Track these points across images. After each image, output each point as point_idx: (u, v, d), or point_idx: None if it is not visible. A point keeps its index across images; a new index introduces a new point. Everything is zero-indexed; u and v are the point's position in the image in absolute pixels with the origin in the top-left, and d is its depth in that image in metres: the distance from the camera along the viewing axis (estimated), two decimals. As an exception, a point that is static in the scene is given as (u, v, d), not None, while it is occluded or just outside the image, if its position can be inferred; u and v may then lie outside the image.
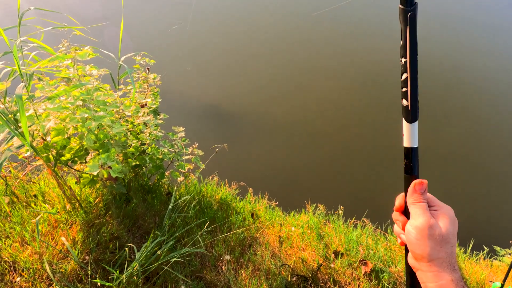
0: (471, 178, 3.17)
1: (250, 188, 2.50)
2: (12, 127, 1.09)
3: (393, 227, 0.61)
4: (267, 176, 2.95)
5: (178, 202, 1.77)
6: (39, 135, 1.45)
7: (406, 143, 0.56)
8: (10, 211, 1.76)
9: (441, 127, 3.48)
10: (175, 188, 2.19)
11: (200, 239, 1.62)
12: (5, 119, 1.06)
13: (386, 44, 4.35)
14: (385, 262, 1.80)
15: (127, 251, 1.59)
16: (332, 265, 1.75)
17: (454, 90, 4.02)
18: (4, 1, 4.91)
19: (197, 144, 2.24)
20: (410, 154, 0.56)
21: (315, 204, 2.49)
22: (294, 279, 1.66)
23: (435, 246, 0.50)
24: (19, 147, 1.22)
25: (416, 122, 0.55)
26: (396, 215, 0.59)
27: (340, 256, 1.80)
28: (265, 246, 1.91)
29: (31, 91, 1.49)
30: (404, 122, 0.55)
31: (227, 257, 1.70)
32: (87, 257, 1.57)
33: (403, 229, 0.56)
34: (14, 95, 1.32)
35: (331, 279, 1.68)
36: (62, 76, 1.36)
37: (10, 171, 2.23)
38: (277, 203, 2.53)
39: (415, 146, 0.56)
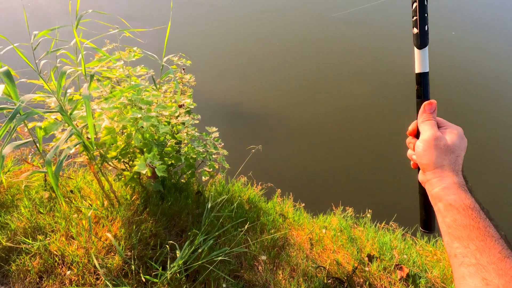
0: (497, 184, 3.12)
1: (279, 189, 2.52)
2: (75, 126, 1.13)
3: (407, 152, 0.64)
4: (292, 177, 2.96)
5: (216, 201, 1.79)
6: (87, 133, 1.49)
7: (417, 69, 0.60)
8: (53, 206, 1.81)
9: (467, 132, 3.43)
10: (209, 187, 2.22)
11: (246, 238, 1.64)
12: (69, 118, 1.10)
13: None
14: (420, 267, 1.79)
15: (168, 248, 1.62)
16: (367, 269, 1.75)
17: (481, 96, 3.96)
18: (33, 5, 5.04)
19: (222, 144, 2.26)
20: (421, 79, 0.60)
21: (342, 207, 2.49)
22: (330, 281, 1.67)
23: (439, 154, 0.53)
24: (75, 145, 1.26)
25: (426, 48, 0.59)
26: (409, 139, 0.62)
27: (374, 259, 1.80)
28: (298, 248, 1.93)
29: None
30: (415, 49, 0.59)
31: (264, 257, 1.72)
32: (129, 253, 1.61)
33: (414, 149, 0.59)
34: (68, 93, 1.36)
35: (367, 283, 1.68)
36: (112, 76, 1.40)
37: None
38: (303, 204, 2.54)
39: (426, 71, 0.59)
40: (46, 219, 1.68)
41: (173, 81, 2.14)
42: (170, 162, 1.99)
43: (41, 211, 1.74)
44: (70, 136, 1.23)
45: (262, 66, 4.33)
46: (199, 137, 2.05)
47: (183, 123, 1.90)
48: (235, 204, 2.15)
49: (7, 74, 1.02)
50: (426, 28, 0.58)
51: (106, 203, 1.90)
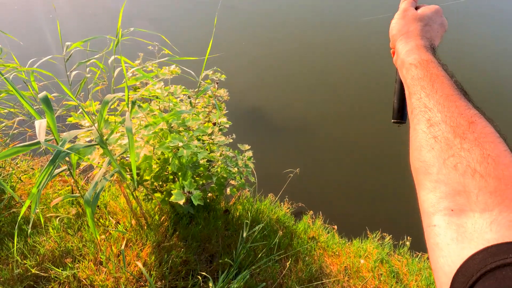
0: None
1: (311, 211, 2.38)
2: (114, 158, 1.03)
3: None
4: (323, 197, 2.81)
5: (253, 229, 1.67)
6: (122, 158, 1.39)
7: None
8: (80, 225, 1.74)
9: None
10: (236, 204, 2.10)
11: (281, 269, 1.51)
12: (109, 152, 1.00)
13: (454, 52, 4.04)
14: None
15: (200, 280, 1.52)
16: (414, 311, 1.59)
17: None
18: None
19: (254, 160, 2.13)
20: None
21: (377, 232, 2.32)
22: (375, 324, 1.52)
23: (407, 22, 0.55)
24: (112, 175, 1.16)
25: None
26: None
27: (422, 301, 1.64)
28: (334, 280, 1.78)
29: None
30: None
31: (301, 294, 1.59)
32: (159, 283, 1.51)
33: None
34: (97, 116, 1.26)
35: (416, 329, 1.52)
36: (151, 97, 1.30)
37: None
38: (335, 227, 2.39)
39: None
40: (74, 241, 1.60)
41: (207, 96, 2.03)
42: (201, 182, 1.88)
43: (69, 232, 1.67)
44: (109, 164, 1.13)
45: (299, 76, 4.17)
46: (232, 157, 1.94)
47: (216, 143, 1.78)
48: (265, 227, 2.02)
49: (46, 101, 0.93)
50: None
51: (133, 222, 1.82)
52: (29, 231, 1.31)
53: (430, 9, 0.55)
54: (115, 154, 1.16)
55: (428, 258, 2.10)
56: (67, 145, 1.01)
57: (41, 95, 0.95)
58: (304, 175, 2.94)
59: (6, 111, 2.06)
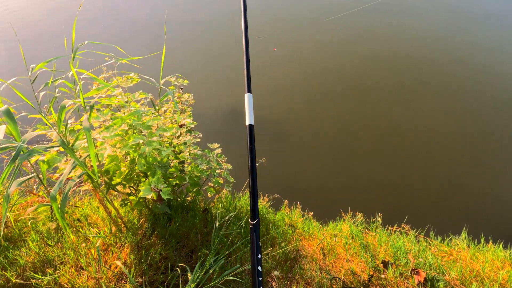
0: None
1: (286, 200, 2.49)
2: (79, 160, 1.13)
3: None
4: (298, 186, 2.94)
5: (224, 219, 1.77)
6: (90, 163, 1.48)
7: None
8: (61, 237, 1.80)
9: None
10: (216, 204, 2.20)
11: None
12: (71, 151, 1.10)
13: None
14: (437, 270, 1.75)
15: (179, 271, 1.60)
16: (383, 276, 1.71)
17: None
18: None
19: (226, 158, 2.25)
20: None
21: (351, 213, 2.46)
22: (346, 292, 1.64)
23: None
24: (79, 176, 1.25)
25: None
26: None
27: (389, 266, 1.77)
28: (310, 259, 1.89)
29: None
30: None
31: (277, 273, 1.69)
32: (140, 279, 1.59)
33: None
34: (69, 124, 1.36)
35: (385, 291, 1.64)
36: (112, 103, 1.40)
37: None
38: (312, 213, 2.51)
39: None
40: (54, 251, 1.66)
41: (172, 102, 2.15)
42: (174, 183, 1.98)
43: (49, 243, 1.73)
44: (74, 168, 1.22)
45: (262, 72, 4.36)
46: (202, 155, 2.04)
47: (185, 143, 1.89)
48: (242, 218, 2.12)
49: (8, 113, 1.02)
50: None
51: (113, 229, 1.89)
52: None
53: None
54: (81, 157, 1.26)
55: (395, 231, 2.24)
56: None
57: (2, 108, 1.05)
58: (279, 168, 3.07)
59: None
